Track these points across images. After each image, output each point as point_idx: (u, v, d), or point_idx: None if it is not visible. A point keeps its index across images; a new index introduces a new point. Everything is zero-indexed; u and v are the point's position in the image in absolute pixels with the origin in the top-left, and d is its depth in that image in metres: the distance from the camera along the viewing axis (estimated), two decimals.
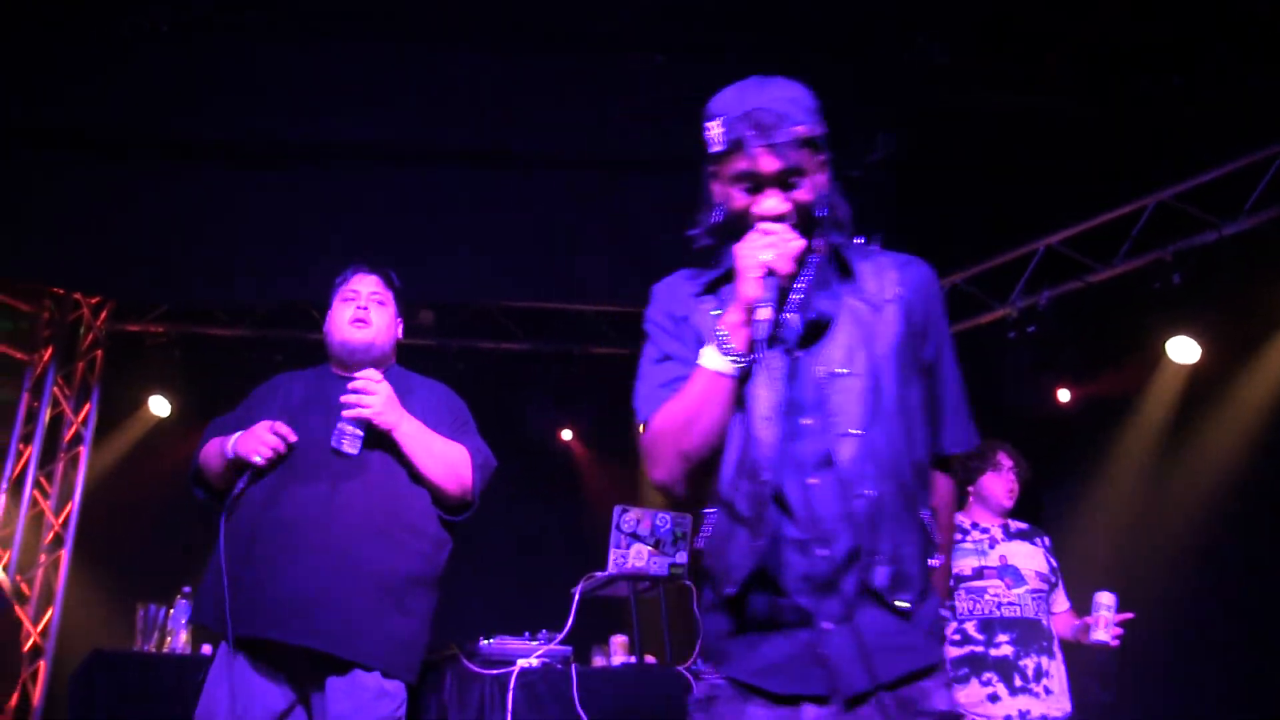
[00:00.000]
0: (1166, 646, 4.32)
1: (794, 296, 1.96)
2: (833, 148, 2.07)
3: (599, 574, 4.68)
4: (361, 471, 3.20)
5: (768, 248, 1.90)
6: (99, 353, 7.93)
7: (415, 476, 3.28)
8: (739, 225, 2.00)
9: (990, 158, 6.41)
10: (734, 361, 1.92)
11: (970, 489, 4.81)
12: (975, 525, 4.74)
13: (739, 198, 2.01)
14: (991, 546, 4.66)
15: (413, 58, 5.98)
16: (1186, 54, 5.76)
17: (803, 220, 1.98)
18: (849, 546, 1.89)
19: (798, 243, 1.93)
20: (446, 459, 3.33)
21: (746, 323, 1.90)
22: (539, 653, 4.16)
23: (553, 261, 6.78)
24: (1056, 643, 4.58)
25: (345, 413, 3.20)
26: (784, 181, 1.97)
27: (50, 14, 5.61)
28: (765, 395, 1.94)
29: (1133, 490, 6.52)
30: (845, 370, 1.97)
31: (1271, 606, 5.51)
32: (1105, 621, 4.32)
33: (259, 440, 3.17)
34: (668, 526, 4.76)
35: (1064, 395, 6.93)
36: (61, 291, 7.69)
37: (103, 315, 7.97)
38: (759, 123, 1.95)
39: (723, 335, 1.93)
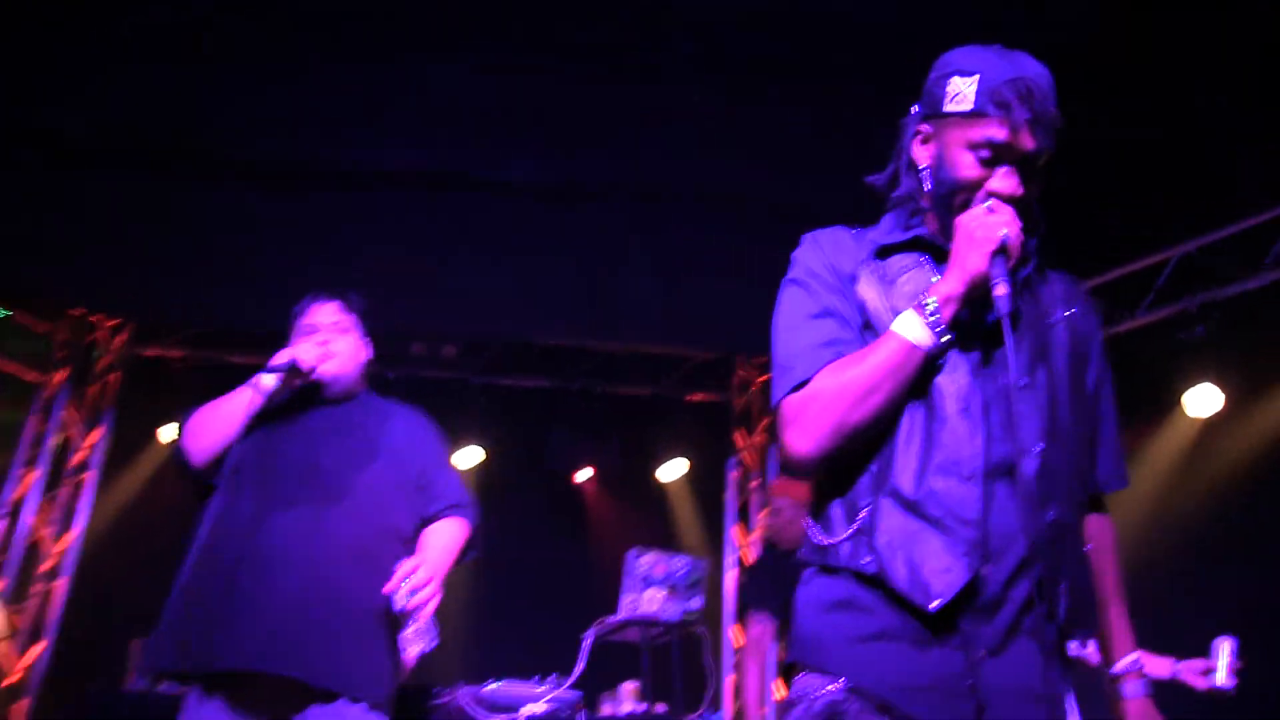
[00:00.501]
0: (1178, 695, 4.24)
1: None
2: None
3: (611, 618, 4.61)
4: (345, 497, 3.13)
5: (1005, 225, 1.75)
6: (113, 377, 7.85)
7: (397, 503, 3.23)
8: (954, 195, 1.84)
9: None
10: (937, 335, 1.76)
11: None
12: None
13: (970, 166, 1.82)
14: None
15: (443, 83, 5.95)
16: (1211, 106, 5.74)
17: (1022, 213, 1.81)
18: (1013, 566, 1.72)
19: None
20: (458, 548, 3.32)
21: (961, 297, 1.76)
22: (546, 698, 4.08)
23: (582, 298, 6.74)
24: None
25: (421, 614, 3.01)
26: (1028, 165, 1.81)
27: (51, 15, 5.56)
28: (957, 386, 1.79)
29: (1141, 545, 6.43)
30: (1026, 381, 1.81)
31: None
32: (1228, 667, 4.25)
33: (307, 349, 3.22)
34: (683, 571, 4.68)
35: None
36: (79, 312, 7.63)
37: (120, 338, 7.89)
38: (1029, 93, 1.77)
39: (930, 304, 1.76)
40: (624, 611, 4.59)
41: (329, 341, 3.35)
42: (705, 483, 8.44)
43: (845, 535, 1.79)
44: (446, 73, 5.92)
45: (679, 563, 4.68)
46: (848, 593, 1.77)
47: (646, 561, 4.63)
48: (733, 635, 7.78)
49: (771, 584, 4.69)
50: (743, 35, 5.80)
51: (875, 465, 1.80)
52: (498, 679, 4.18)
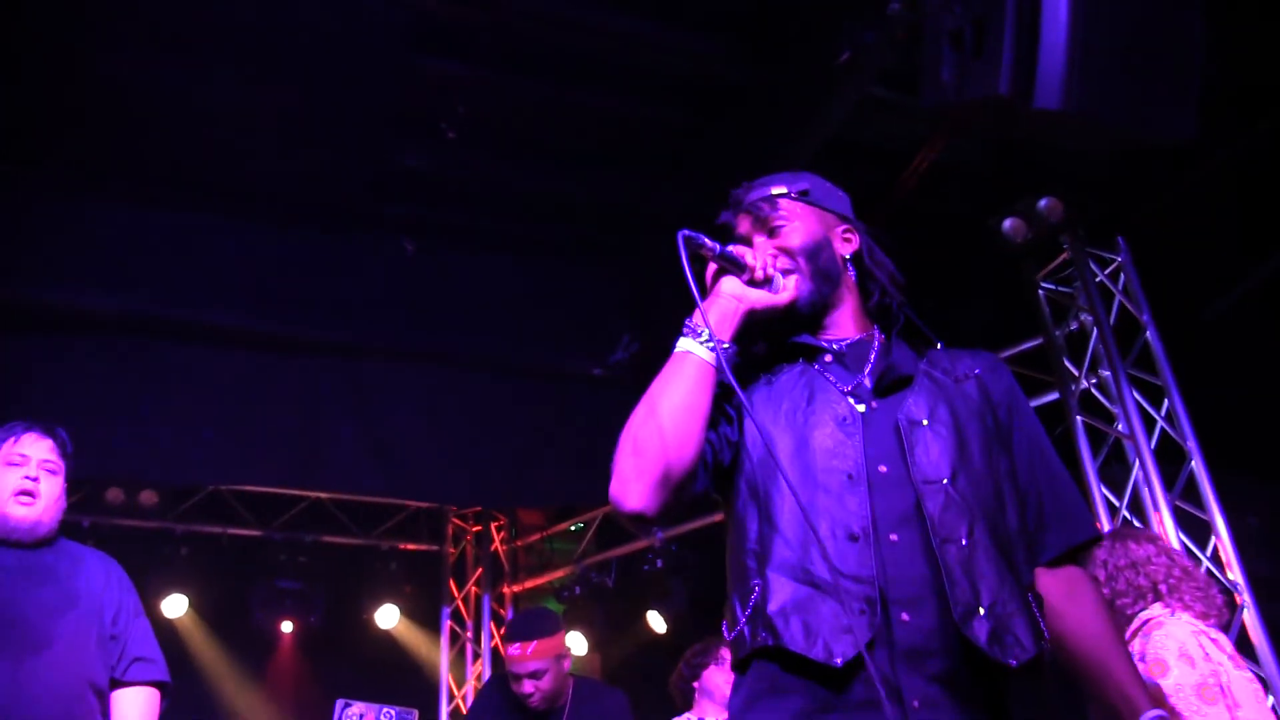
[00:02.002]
0: None
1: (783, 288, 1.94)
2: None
3: None
4: (47, 647, 2.99)
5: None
6: None
7: (94, 655, 3.12)
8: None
9: None
10: (705, 342, 1.83)
11: (695, 684, 4.77)
12: None
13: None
14: None
15: (162, 227, 5.86)
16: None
17: (807, 267, 1.97)
18: (937, 611, 1.68)
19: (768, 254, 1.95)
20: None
21: (716, 304, 1.89)
22: None
23: (289, 446, 6.61)
24: None
25: None
26: (766, 231, 2.00)
27: None
28: (834, 442, 1.81)
29: None
30: (926, 421, 1.84)
31: None
32: None
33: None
34: None
35: None
36: None
37: None
38: (736, 199, 2.05)
39: (692, 324, 1.87)
40: None
41: (39, 480, 3.21)
42: (418, 633, 8.37)
43: (744, 620, 1.77)
44: (150, 216, 5.85)
45: (388, 713, 4.62)
46: (764, 679, 1.73)
47: (354, 712, 4.54)
48: None
49: None
50: (451, 203, 6.07)
51: (758, 546, 1.79)
52: None
